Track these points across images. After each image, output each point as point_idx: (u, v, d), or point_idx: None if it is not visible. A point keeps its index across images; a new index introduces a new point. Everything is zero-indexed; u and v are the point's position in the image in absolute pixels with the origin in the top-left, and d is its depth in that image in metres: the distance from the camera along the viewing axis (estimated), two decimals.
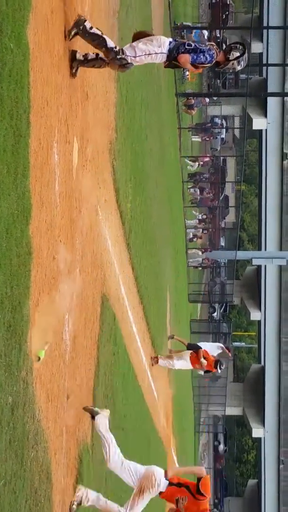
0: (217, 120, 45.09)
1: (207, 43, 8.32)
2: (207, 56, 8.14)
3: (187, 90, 35.17)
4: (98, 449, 9.36)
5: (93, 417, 8.52)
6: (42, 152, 6.27)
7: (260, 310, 42.53)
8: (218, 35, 42.34)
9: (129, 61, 7.84)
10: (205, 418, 55.74)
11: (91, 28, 7.58)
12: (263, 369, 43.24)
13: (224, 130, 49.67)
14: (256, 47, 38.61)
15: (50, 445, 6.57)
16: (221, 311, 55.37)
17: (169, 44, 8.01)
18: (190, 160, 39.33)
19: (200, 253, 42.69)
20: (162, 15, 24.21)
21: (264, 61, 37.26)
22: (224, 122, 47.95)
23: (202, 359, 17.10)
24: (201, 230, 44.23)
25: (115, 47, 7.77)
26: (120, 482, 11.58)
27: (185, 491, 9.36)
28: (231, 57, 8.30)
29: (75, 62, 7.68)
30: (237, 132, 63.09)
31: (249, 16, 36.90)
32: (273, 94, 35.33)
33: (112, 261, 11.19)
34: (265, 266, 39.75)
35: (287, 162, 38.89)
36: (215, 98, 44.34)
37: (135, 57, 7.89)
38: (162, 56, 8.04)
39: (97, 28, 7.69)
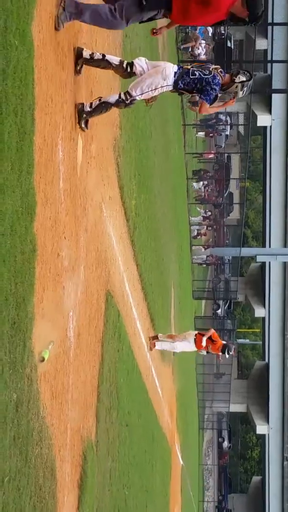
0: (222, 117, 45.00)
1: (211, 68, 8.40)
2: (215, 87, 8.30)
3: None
4: (103, 445, 9.37)
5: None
6: (47, 149, 6.27)
7: (264, 307, 42.54)
8: (223, 31, 42.28)
9: (137, 99, 8.04)
10: (209, 415, 55.76)
11: (91, 105, 7.75)
12: (267, 366, 43.24)
13: (229, 126, 49.58)
14: (261, 43, 38.56)
15: (55, 442, 6.57)
16: (225, 308, 55.35)
17: (175, 75, 8.13)
18: (195, 182, 39.42)
19: (203, 249, 42.70)
20: None
21: (269, 58, 37.22)
22: (228, 118, 47.86)
23: (204, 339, 16.51)
24: (205, 227, 44.23)
25: (120, 97, 7.89)
26: (124, 479, 11.60)
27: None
28: (236, 80, 8.40)
29: (80, 59, 7.71)
30: (241, 129, 63.00)
31: None
32: (277, 91, 35.29)
33: (116, 258, 11.19)
34: (270, 263, 39.73)
35: None
36: (219, 95, 44.28)
37: (141, 94, 8.04)
38: (168, 87, 8.21)
39: (95, 99, 7.85)
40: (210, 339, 17.06)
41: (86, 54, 7.71)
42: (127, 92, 7.95)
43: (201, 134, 42.06)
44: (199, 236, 42.96)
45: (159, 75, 8.07)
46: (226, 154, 50.26)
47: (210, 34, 34.16)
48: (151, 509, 15.80)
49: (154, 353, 17.56)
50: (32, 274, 5.76)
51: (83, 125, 7.82)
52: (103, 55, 7.78)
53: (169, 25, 7.71)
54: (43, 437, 6.14)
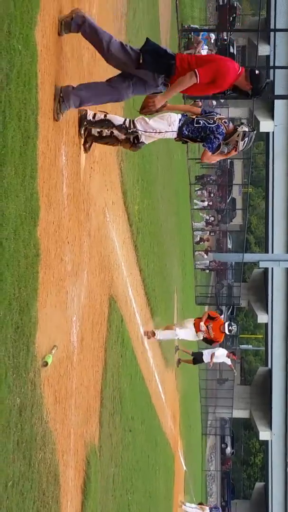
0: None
1: (215, 117, 8.56)
2: (219, 136, 8.45)
3: None
4: (106, 450, 9.36)
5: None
6: (50, 153, 6.28)
7: (267, 312, 42.49)
8: (225, 37, 42.37)
9: (140, 134, 8.06)
10: (212, 421, 55.68)
11: (94, 116, 7.74)
12: (270, 372, 43.19)
13: None
14: (263, 49, 38.58)
15: (58, 447, 6.57)
16: (228, 313, 55.30)
17: (179, 122, 8.29)
18: (201, 201, 39.50)
19: (205, 255, 42.70)
20: (170, 17, 24.24)
21: (271, 64, 37.23)
22: (231, 124, 47.85)
23: (203, 321, 16.43)
24: (208, 232, 44.22)
25: (124, 122, 7.93)
26: (127, 484, 11.59)
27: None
28: (239, 129, 8.52)
29: (90, 137, 7.95)
30: None
31: (256, 18, 36.89)
32: (280, 97, 35.30)
33: (119, 263, 11.19)
34: (272, 268, 39.69)
35: None
36: (222, 101, 44.33)
37: (145, 131, 8.10)
38: (173, 134, 8.34)
39: (99, 111, 7.87)
40: (209, 318, 16.82)
41: (89, 116, 7.77)
42: (133, 121, 8.01)
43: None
44: (202, 242, 42.97)
45: (164, 121, 8.25)
46: (229, 160, 50.26)
47: (212, 41, 34.20)
48: None
49: (158, 359, 17.54)
50: (35, 278, 5.76)
51: (82, 133, 7.82)
52: (105, 115, 7.82)
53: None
54: (47, 442, 6.13)
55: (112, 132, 7.95)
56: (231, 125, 8.50)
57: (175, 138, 8.48)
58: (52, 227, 6.41)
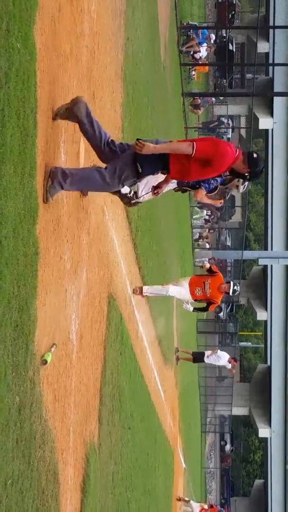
0: (224, 120, 45.05)
1: None
2: (218, 179, 8.49)
3: (193, 90, 35.17)
4: (105, 448, 9.37)
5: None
6: (49, 152, 6.28)
7: (266, 310, 42.50)
8: (224, 34, 42.35)
9: (141, 201, 8.21)
10: (211, 418, 55.72)
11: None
12: (269, 369, 43.21)
13: (231, 129, 49.61)
14: (262, 46, 38.59)
15: (57, 445, 6.57)
16: (227, 311, 55.34)
17: None
18: (198, 208, 39.45)
19: (207, 245, 42.63)
20: (169, 14, 24.22)
21: (270, 61, 37.24)
22: (230, 121, 47.88)
23: (199, 289, 14.70)
24: (207, 230, 44.21)
25: (129, 192, 8.05)
26: (127, 482, 11.59)
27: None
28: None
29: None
30: (243, 132, 63.06)
31: (255, 15, 36.86)
32: (279, 94, 35.30)
33: (118, 261, 11.19)
34: (271, 266, 39.71)
35: None
36: (221, 98, 44.33)
37: (146, 193, 8.34)
38: (173, 185, 8.59)
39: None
40: (209, 271, 15.12)
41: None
42: (136, 193, 8.31)
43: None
44: (201, 239, 42.95)
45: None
46: None
47: (212, 42, 34.17)
48: None
49: (157, 357, 17.54)
50: (34, 277, 5.76)
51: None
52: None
53: (167, 179, 7.62)
54: (46, 440, 6.13)
55: None
56: None
57: (174, 188, 8.60)
58: (51, 226, 6.41)
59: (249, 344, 72.11)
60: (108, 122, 10.03)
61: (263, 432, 43.45)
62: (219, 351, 23.60)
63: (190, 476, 32.91)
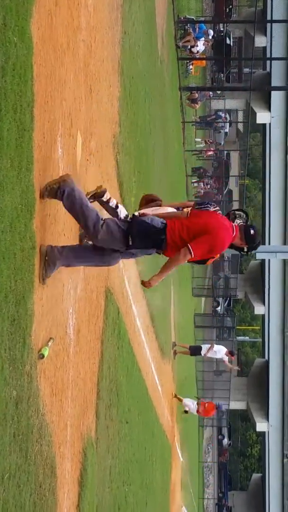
0: (221, 114, 44.98)
1: (210, 210, 8.79)
2: None
3: (191, 84, 35.13)
4: (103, 442, 9.38)
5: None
6: (46, 146, 6.27)
7: (264, 304, 42.51)
8: (222, 28, 42.27)
9: None
10: None
11: (109, 200, 7.67)
12: (267, 363, 43.22)
13: (228, 124, 49.54)
14: (260, 40, 38.53)
15: (55, 439, 6.58)
16: (225, 305, 55.34)
17: None
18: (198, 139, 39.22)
19: None
20: (166, 8, 24.18)
21: (268, 55, 37.20)
22: (228, 116, 47.79)
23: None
24: None
25: (127, 217, 8.11)
26: (124, 476, 11.61)
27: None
28: (236, 221, 8.71)
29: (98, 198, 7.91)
30: (241, 126, 63.01)
31: (253, 9, 36.87)
32: (277, 88, 35.27)
33: None
34: (269, 260, 39.69)
35: None
36: (219, 92, 44.26)
37: None
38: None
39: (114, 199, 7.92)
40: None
41: (106, 197, 7.83)
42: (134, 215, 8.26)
43: (198, 139, 42.05)
44: None
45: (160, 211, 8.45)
46: (225, 152, 50.22)
47: (210, 37, 34.08)
48: (151, 506, 15.82)
49: (154, 351, 17.55)
50: (31, 271, 5.77)
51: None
52: (117, 205, 7.89)
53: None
54: (43, 434, 6.14)
55: (117, 206, 8.00)
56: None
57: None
58: (48, 220, 6.41)
59: (247, 338, 72.13)
60: (105, 115, 10.03)
61: (260, 426, 43.48)
62: (215, 345, 23.63)
63: (187, 470, 32.96)
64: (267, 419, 42.75)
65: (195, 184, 41.03)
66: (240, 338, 68.54)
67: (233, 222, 8.60)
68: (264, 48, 39.31)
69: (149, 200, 8.38)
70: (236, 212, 8.22)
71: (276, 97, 36.52)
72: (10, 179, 5.16)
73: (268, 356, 42.91)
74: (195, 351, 24.18)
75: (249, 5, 56.78)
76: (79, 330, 7.95)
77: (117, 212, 7.96)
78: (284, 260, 39.37)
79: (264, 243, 40.80)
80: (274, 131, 37.90)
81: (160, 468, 18.77)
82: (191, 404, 25.46)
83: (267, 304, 41.97)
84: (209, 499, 60.62)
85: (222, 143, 49.55)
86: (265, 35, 37.90)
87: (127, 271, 12.56)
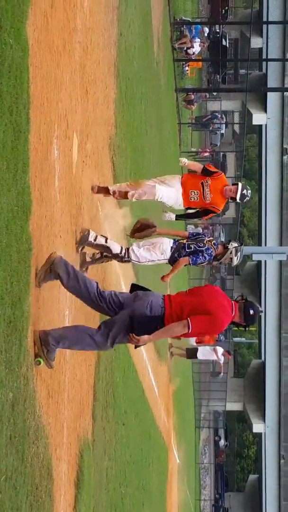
0: (217, 114, 45.01)
1: (205, 240, 9.28)
2: (206, 255, 9.27)
3: (186, 85, 35.17)
4: (99, 444, 9.37)
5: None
6: (42, 147, 6.27)
7: (260, 305, 42.53)
8: (218, 30, 42.31)
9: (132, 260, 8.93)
10: (205, 413, 55.77)
11: (95, 239, 8.15)
12: (263, 365, 43.26)
13: (224, 125, 49.57)
14: (256, 42, 38.56)
15: (51, 441, 6.57)
16: None
17: (171, 250, 9.06)
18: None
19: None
20: (162, 10, 24.20)
21: (264, 56, 37.23)
22: (224, 117, 47.83)
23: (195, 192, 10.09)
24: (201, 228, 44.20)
25: (121, 251, 8.62)
26: (121, 478, 11.60)
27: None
28: (230, 247, 9.20)
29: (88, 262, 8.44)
30: (237, 128, 63.05)
31: (249, 11, 36.86)
32: (273, 89, 35.31)
33: None
34: (265, 261, 39.71)
35: (287, 157, 38.85)
36: (215, 94, 44.29)
37: (139, 262, 8.96)
38: (164, 261, 9.14)
39: (101, 235, 8.36)
40: (204, 172, 10.13)
41: (88, 258, 8.04)
42: (128, 250, 8.80)
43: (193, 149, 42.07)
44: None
45: (156, 250, 8.98)
46: (221, 153, 50.24)
47: (206, 35, 34.14)
48: (148, 508, 15.81)
49: (151, 352, 17.55)
50: (28, 273, 5.76)
51: (80, 250, 8.20)
52: (106, 240, 8.12)
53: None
54: (40, 436, 6.13)
55: (102, 253, 8.52)
56: (219, 246, 9.21)
57: (166, 262, 9.17)
58: (44, 222, 6.41)
59: (243, 339, 72.12)
60: (101, 117, 10.03)
61: (257, 427, 43.49)
62: (208, 347, 23.58)
63: (184, 471, 32.95)
64: (264, 420, 42.77)
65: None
66: (237, 339, 68.53)
67: (228, 244, 8.98)
68: (260, 49, 39.34)
69: (144, 225, 8.72)
70: (231, 239, 8.68)
71: (272, 98, 36.57)
72: (6, 181, 5.16)
73: (265, 357, 42.94)
74: (191, 353, 24.15)
75: (245, 7, 56.87)
76: None
77: (108, 248, 8.18)
78: (280, 261, 39.40)
79: (260, 244, 40.88)
80: (270, 132, 37.94)
81: (157, 470, 18.76)
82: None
83: (264, 305, 41.97)
84: (206, 501, 60.64)
85: (218, 144, 49.58)
86: (261, 36, 37.92)
87: (124, 275, 12.56)
